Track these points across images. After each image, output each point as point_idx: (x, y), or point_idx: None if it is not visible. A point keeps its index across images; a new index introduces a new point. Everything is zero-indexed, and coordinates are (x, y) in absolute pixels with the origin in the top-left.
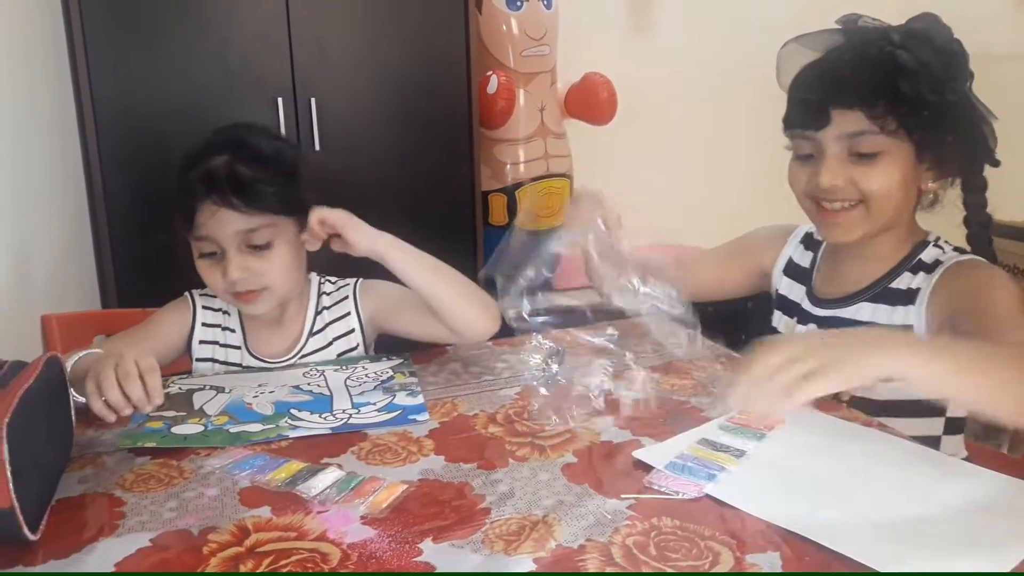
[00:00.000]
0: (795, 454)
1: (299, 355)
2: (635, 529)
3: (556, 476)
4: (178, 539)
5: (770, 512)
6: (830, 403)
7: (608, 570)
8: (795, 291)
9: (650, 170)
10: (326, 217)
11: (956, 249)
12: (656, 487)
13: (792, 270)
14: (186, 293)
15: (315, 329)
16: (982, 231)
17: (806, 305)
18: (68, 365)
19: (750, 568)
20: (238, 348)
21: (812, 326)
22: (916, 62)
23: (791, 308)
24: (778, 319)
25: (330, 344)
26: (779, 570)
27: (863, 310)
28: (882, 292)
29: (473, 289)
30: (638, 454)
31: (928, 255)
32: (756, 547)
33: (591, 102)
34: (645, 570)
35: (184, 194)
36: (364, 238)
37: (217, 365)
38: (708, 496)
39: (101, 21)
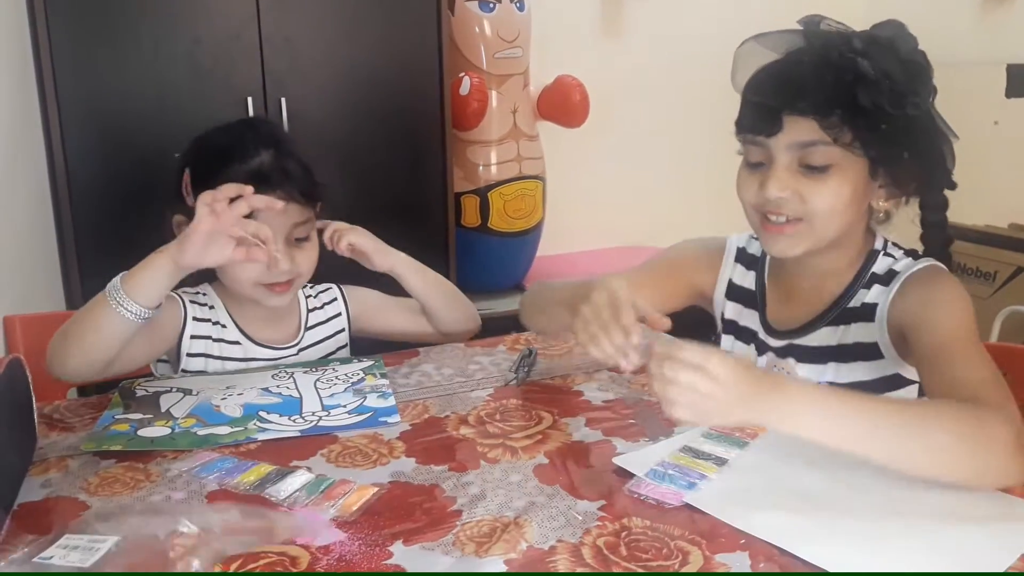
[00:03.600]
0: (777, 463)
1: (299, 346)
2: (606, 530)
3: (528, 477)
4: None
5: (747, 522)
6: None
7: (579, 570)
8: (746, 316)
9: (622, 173)
10: (355, 243)
11: (908, 253)
12: (636, 495)
13: (736, 293)
14: (170, 293)
15: (309, 324)
16: (940, 247)
17: (763, 335)
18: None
19: (719, 568)
20: (235, 343)
21: (770, 355)
22: (878, 71)
23: (746, 335)
24: (730, 344)
25: (323, 341)
26: (747, 569)
27: (821, 334)
28: (840, 314)
29: (459, 296)
30: (619, 460)
31: (880, 266)
32: (725, 547)
33: (564, 104)
34: (615, 570)
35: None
36: (386, 260)
37: (212, 360)
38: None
39: (67, 17)
